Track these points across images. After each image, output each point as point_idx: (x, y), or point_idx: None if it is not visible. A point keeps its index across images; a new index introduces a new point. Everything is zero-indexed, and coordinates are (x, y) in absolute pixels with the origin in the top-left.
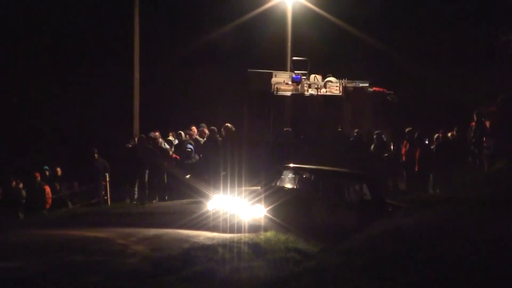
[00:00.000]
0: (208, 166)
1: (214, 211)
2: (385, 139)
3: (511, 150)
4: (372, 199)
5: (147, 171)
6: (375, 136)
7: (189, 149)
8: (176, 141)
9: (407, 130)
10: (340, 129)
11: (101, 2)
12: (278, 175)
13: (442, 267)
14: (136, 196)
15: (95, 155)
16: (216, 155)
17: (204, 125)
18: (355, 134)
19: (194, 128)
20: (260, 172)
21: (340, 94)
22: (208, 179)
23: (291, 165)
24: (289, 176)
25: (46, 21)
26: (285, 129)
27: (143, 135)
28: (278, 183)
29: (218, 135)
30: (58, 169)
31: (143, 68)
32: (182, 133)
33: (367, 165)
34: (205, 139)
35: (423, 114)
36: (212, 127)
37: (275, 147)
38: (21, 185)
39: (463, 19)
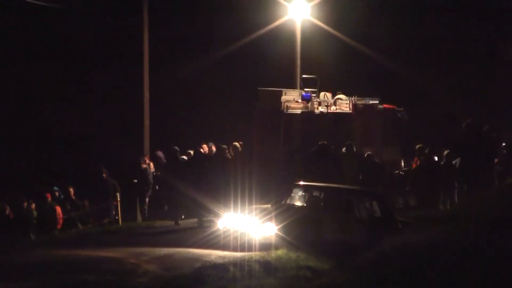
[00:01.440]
0: (219, 184)
1: (224, 230)
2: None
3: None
4: (382, 216)
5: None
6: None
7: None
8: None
9: (417, 146)
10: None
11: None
12: (289, 193)
13: (451, 283)
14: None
15: (104, 175)
16: (226, 173)
17: (212, 143)
18: (366, 155)
19: (205, 146)
20: (270, 190)
21: (350, 111)
22: (218, 198)
23: (301, 183)
24: (299, 194)
25: (52, 44)
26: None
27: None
28: (288, 201)
29: (228, 153)
30: (71, 189)
31: (152, 85)
32: (191, 152)
33: (375, 182)
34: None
35: (433, 131)
36: (223, 146)
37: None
38: (32, 206)
39: (473, 37)
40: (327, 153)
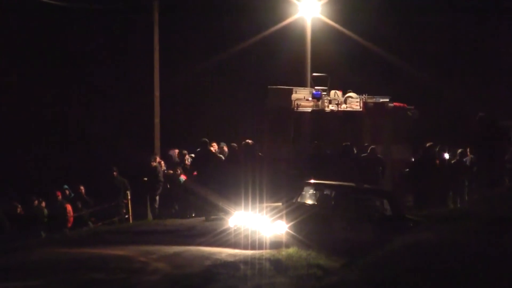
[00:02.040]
0: (229, 183)
1: (235, 228)
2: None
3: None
4: (392, 215)
5: None
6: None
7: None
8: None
9: (427, 145)
10: (347, 144)
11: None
12: (299, 191)
13: (462, 282)
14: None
15: (114, 173)
16: (236, 171)
17: (224, 143)
18: (369, 150)
19: (215, 145)
20: (281, 188)
21: (361, 109)
22: (229, 196)
23: (312, 181)
24: (310, 192)
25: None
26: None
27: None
28: (299, 199)
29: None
30: (82, 187)
31: (162, 84)
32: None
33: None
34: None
35: (443, 129)
36: (233, 144)
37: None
38: (43, 204)
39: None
40: (350, 154)
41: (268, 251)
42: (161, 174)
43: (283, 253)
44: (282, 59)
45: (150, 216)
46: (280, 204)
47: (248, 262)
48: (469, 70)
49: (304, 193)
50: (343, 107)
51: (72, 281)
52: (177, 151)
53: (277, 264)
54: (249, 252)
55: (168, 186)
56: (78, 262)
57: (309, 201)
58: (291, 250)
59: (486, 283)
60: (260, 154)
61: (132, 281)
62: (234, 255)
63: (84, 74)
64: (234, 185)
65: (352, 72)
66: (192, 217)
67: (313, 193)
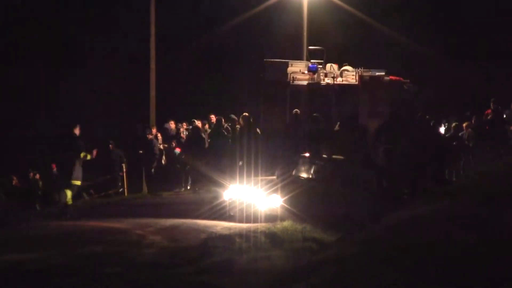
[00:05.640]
0: (225, 156)
1: (230, 201)
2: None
3: None
4: (388, 188)
5: None
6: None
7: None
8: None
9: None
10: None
11: None
12: (295, 165)
13: (461, 256)
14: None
15: (110, 146)
16: (232, 144)
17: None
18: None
19: (212, 117)
20: (276, 162)
21: (356, 83)
22: (224, 169)
23: (307, 154)
24: (305, 166)
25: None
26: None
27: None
28: (294, 173)
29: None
30: None
31: (158, 58)
32: (196, 121)
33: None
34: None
35: (440, 103)
36: (232, 115)
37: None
38: (37, 176)
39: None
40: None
41: (263, 224)
42: (156, 147)
43: (278, 226)
44: (279, 32)
45: (145, 189)
46: (275, 177)
47: (243, 235)
48: (470, 45)
49: (299, 166)
50: (339, 80)
51: (69, 254)
52: (173, 123)
53: (272, 238)
54: (244, 226)
55: (164, 159)
56: (74, 235)
57: (305, 175)
58: (286, 223)
59: (485, 259)
60: (257, 129)
61: (129, 254)
62: (229, 228)
63: (81, 45)
64: (229, 158)
65: (348, 45)
66: (188, 190)
67: (308, 166)
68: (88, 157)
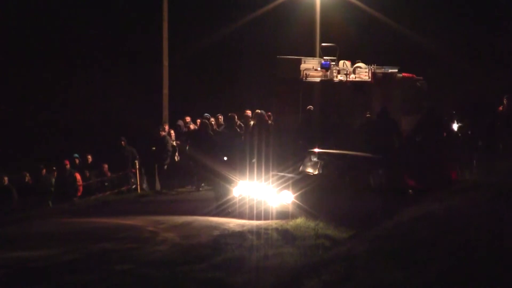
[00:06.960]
0: (236, 152)
1: (240, 198)
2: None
3: None
4: (397, 184)
5: None
6: None
7: None
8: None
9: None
10: (368, 115)
11: None
12: (306, 161)
13: (472, 253)
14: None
15: (123, 142)
16: (245, 141)
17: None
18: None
19: (220, 116)
20: (288, 158)
21: (369, 80)
22: (234, 165)
23: (318, 150)
24: (316, 162)
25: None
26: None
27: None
28: (306, 169)
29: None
30: (89, 156)
31: (171, 55)
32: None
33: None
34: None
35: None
36: (247, 111)
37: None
38: (54, 174)
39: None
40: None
41: (275, 221)
42: (169, 144)
43: (291, 223)
44: (291, 29)
45: (158, 185)
46: (286, 173)
47: (255, 232)
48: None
49: (311, 162)
50: (352, 77)
51: (82, 251)
52: (188, 119)
53: (284, 234)
54: (255, 222)
55: (177, 156)
56: (87, 231)
57: (316, 171)
58: (299, 220)
59: (497, 256)
60: (270, 122)
61: (142, 251)
62: (242, 225)
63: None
64: (241, 154)
65: (361, 42)
66: (202, 187)
67: (320, 163)
68: None
